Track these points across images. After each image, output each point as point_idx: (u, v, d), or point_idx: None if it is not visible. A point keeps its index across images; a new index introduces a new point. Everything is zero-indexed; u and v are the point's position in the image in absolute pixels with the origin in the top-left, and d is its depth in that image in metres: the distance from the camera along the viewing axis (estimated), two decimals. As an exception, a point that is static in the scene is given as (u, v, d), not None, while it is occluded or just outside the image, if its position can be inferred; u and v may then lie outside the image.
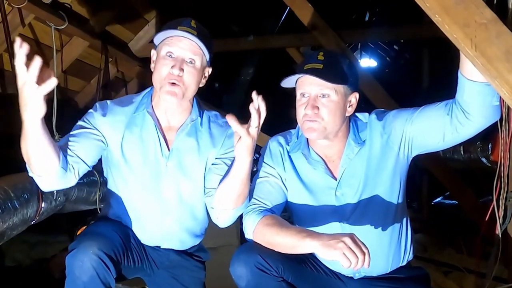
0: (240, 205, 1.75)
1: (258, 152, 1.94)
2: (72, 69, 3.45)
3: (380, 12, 7.15)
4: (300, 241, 1.54)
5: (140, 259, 1.90)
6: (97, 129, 1.82)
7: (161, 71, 1.77)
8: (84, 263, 1.62)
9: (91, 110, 1.87)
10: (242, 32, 4.83)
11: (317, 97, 1.70)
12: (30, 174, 1.73)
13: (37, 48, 3.01)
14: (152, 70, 1.85)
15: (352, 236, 1.47)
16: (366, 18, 7.15)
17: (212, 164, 1.89)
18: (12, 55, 2.42)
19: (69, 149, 1.74)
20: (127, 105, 1.88)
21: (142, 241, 1.93)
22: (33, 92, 1.49)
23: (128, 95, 1.95)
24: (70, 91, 3.78)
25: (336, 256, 1.44)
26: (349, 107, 1.75)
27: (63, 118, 3.09)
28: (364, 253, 1.44)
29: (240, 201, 1.75)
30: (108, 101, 1.90)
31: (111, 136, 1.84)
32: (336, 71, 1.69)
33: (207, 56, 1.81)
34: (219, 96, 6.16)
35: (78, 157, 1.75)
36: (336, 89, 1.69)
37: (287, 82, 1.76)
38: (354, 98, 1.76)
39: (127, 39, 3.87)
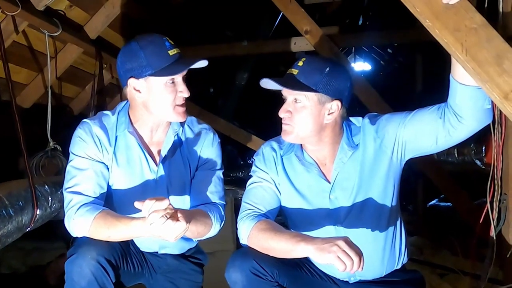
0: (203, 237, 1.85)
1: (252, 156, 1.96)
2: (66, 75, 3.43)
3: (373, 16, 7.18)
4: (294, 246, 1.54)
5: (140, 264, 1.91)
6: (96, 160, 1.82)
7: (168, 98, 1.77)
8: (82, 269, 1.63)
9: (80, 138, 1.83)
10: (236, 38, 4.84)
11: (291, 102, 1.72)
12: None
13: (31, 55, 3.00)
14: (138, 99, 1.79)
15: (346, 240, 1.47)
16: (360, 22, 7.18)
17: (194, 177, 1.93)
18: (6, 62, 2.43)
19: (96, 196, 1.79)
20: (107, 128, 1.86)
21: (140, 248, 1.95)
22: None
23: (102, 114, 1.91)
24: (65, 97, 3.76)
25: (331, 260, 1.44)
26: (328, 114, 1.72)
27: (58, 124, 3.09)
28: (358, 256, 1.45)
29: (200, 236, 1.84)
30: (90, 123, 1.85)
31: (104, 159, 1.85)
32: (307, 78, 1.68)
33: None
34: (214, 101, 6.16)
35: (101, 194, 1.82)
36: (307, 95, 1.69)
37: (267, 85, 1.76)
38: (335, 105, 1.71)
39: (121, 45, 3.83)
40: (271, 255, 1.64)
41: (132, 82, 1.77)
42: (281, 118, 1.76)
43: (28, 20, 2.60)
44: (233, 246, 3.12)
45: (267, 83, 1.73)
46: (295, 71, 1.71)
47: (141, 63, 1.73)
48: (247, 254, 1.66)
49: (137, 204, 1.55)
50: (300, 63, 1.72)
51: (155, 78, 1.75)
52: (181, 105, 1.80)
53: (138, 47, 1.74)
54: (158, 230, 1.51)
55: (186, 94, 1.79)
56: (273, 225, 1.68)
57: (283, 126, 1.75)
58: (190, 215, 1.65)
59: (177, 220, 1.52)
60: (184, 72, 1.79)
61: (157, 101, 1.78)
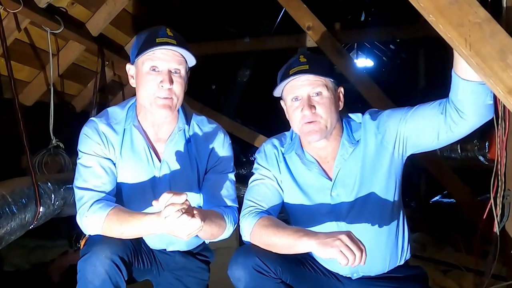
0: (216, 238, 1.83)
1: (255, 153, 1.95)
2: (68, 73, 3.44)
3: (375, 12, 7.16)
4: (297, 241, 1.55)
5: (149, 261, 1.92)
6: (103, 157, 1.82)
7: (149, 86, 1.75)
8: (96, 267, 1.63)
9: (86, 136, 1.84)
10: (238, 34, 4.83)
11: (310, 97, 1.72)
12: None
13: (33, 52, 3.00)
14: (133, 85, 1.84)
15: (348, 234, 1.47)
16: (362, 18, 7.16)
17: (205, 180, 1.92)
18: (8, 60, 2.43)
19: (107, 192, 1.79)
20: (115, 123, 1.86)
21: (149, 245, 1.95)
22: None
23: (111, 109, 1.92)
24: (67, 95, 3.77)
25: (333, 254, 1.44)
26: (339, 101, 1.79)
27: (60, 122, 3.09)
28: (361, 250, 1.45)
29: (214, 238, 1.82)
30: (96, 121, 1.86)
31: (111, 155, 1.85)
32: (321, 67, 1.73)
33: (190, 61, 1.81)
34: (216, 98, 6.16)
35: (112, 190, 1.82)
36: (326, 85, 1.72)
37: (278, 91, 1.79)
38: (340, 92, 1.80)
39: (123, 42, 3.86)
40: (273, 251, 1.64)
41: (128, 68, 1.84)
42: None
43: (30, 18, 2.60)
44: (235, 243, 3.11)
45: (281, 87, 1.75)
46: (304, 67, 1.71)
47: (134, 49, 1.79)
48: (250, 251, 1.66)
49: (154, 203, 1.55)
50: (303, 59, 1.73)
51: (140, 64, 1.76)
52: (164, 98, 1.76)
53: (137, 36, 1.81)
54: (172, 224, 1.51)
55: (167, 84, 1.73)
56: (275, 221, 1.68)
57: (308, 126, 1.73)
58: (205, 215, 1.64)
59: (193, 216, 1.51)
60: (172, 64, 1.75)
61: (140, 88, 1.78)
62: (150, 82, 1.75)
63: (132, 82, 1.84)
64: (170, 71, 1.75)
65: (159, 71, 1.75)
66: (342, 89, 1.81)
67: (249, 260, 1.62)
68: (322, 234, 1.52)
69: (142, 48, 1.74)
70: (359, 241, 1.47)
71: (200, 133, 1.92)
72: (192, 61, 1.81)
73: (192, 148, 1.91)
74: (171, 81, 1.75)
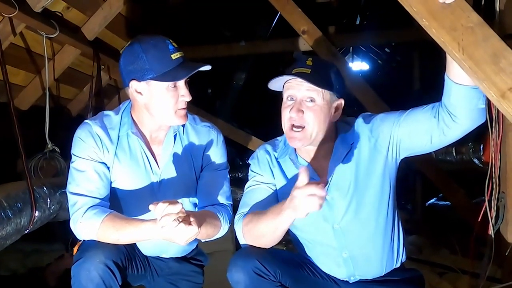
0: (212, 238, 1.84)
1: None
2: (64, 77, 3.43)
3: (371, 16, 7.17)
4: (278, 218, 1.58)
5: (143, 267, 1.92)
6: (97, 161, 1.81)
7: (170, 102, 1.75)
8: (90, 272, 1.63)
9: (80, 139, 1.81)
10: (234, 38, 4.84)
11: (302, 101, 1.71)
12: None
13: (29, 56, 3.00)
14: (140, 101, 1.78)
15: (296, 186, 1.49)
16: (357, 22, 7.18)
17: (200, 178, 1.92)
18: (3, 64, 2.43)
19: (101, 197, 1.78)
20: (109, 127, 1.84)
21: (143, 252, 1.95)
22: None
23: (106, 113, 1.89)
24: (63, 99, 3.76)
25: (304, 208, 1.49)
26: (334, 113, 1.76)
27: (56, 126, 3.09)
28: (315, 185, 1.46)
29: (210, 237, 1.83)
30: (91, 123, 1.83)
31: (105, 159, 1.83)
32: (322, 76, 1.71)
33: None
34: (212, 101, 6.16)
35: (106, 195, 1.80)
36: (322, 93, 1.70)
37: (275, 84, 1.77)
38: (340, 104, 1.77)
39: (119, 46, 3.86)
40: (267, 242, 1.66)
41: (133, 84, 1.75)
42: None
43: (26, 22, 2.60)
44: (232, 247, 3.12)
45: (279, 81, 1.74)
46: (307, 70, 1.70)
47: (143, 66, 1.71)
48: (249, 254, 1.66)
49: (151, 207, 1.55)
50: (309, 63, 1.72)
51: (157, 82, 1.73)
52: (183, 109, 1.79)
53: (141, 49, 1.72)
54: (169, 233, 1.52)
55: (188, 98, 1.77)
56: (256, 213, 1.71)
57: (292, 133, 1.72)
58: (201, 218, 1.65)
59: (189, 224, 1.52)
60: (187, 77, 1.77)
61: (158, 105, 1.76)
62: (171, 98, 1.75)
63: (140, 98, 1.77)
64: (185, 83, 1.77)
65: (178, 86, 1.76)
66: (342, 102, 1.77)
67: (248, 263, 1.62)
68: (287, 200, 1.54)
69: (160, 69, 1.71)
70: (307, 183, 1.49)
71: (193, 132, 1.93)
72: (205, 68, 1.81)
73: (187, 149, 1.91)
74: (190, 93, 1.78)
